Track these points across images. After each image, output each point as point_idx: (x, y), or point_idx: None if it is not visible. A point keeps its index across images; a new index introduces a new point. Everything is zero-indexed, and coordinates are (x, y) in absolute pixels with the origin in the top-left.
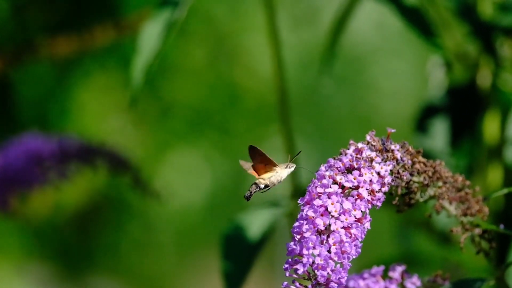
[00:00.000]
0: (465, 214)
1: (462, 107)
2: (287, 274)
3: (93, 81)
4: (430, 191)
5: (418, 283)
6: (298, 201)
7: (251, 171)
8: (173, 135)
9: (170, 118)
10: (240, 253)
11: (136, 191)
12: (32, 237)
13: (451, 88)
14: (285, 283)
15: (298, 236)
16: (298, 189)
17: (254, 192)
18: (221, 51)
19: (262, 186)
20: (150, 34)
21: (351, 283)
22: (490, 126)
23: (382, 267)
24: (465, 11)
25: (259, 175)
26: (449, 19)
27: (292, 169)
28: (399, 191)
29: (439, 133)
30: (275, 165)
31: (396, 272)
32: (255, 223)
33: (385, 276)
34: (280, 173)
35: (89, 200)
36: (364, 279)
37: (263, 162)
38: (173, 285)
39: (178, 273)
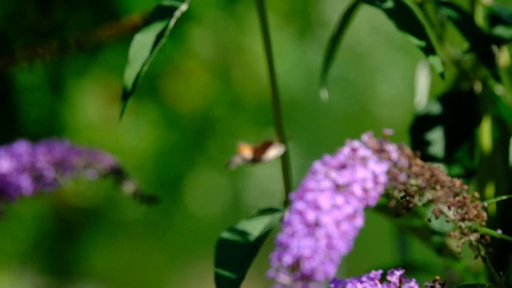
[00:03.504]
0: (463, 219)
1: (459, 115)
2: (273, 264)
3: (91, 85)
4: (428, 195)
5: (416, 287)
6: (291, 195)
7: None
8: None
9: (173, 125)
10: (234, 258)
11: (128, 197)
12: (20, 240)
13: (446, 95)
14: (271, 272)
15: (288, 228)
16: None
17: (237, 162)
18: (222, 54)
19: (247, 158)
20: (142, 44)
21: (349, 286)
22: (486, 135)
23: (380, 271)
24: (463, 21)
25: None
26: (440, 28)
27: (281, 150)
28: (396, 193)
29: (436, 143)
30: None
31: (394, 276)
32: (251, 229)
33: (383, 280)
34: (268, 152)
35: (83, 203)
36: (362, 282)
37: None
38: None
39: (172, 281)
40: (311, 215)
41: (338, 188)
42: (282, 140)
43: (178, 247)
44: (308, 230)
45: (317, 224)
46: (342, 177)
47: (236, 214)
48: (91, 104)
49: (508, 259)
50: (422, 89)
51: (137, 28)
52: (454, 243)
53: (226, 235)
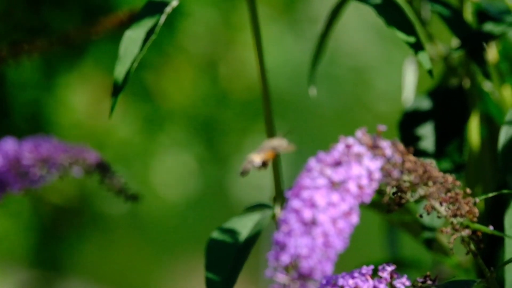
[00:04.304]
0: (455, 215)
1: (449, 111)
2: (271, 264)
3: (80, 81)
4: (421, 191)
5: (408, 283)
6: (286, 193)
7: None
8: (163, 137)
9: (161, 119)
10: (225, 261)
11: (113, 194)
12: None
13: (435, 91)
14: (269, 272)
15: (285, 227)
16: (280, 192)
17: (249, 168)
18: (211, 49)
19: (256, 163)
20: (132, 40)
21: (340, 281)
22: (475, 132)
23: (371, 267)
24: (452, 18)
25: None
26: (426, 24)
27: (284, 143)
28: (389, 189)
29: (426, 138)
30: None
31: (386, 272)
32: (241, 227)
33: (374, 276)
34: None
35: (65, 201)
36: (353, 277)
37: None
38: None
39: (159, 276)
40: (307, 214)
41: (333, 185)
42: (272, 135)
43: (165, 240)
44: (305, 229)
45: (313, 223)
46: (337, 174)
47: (225, 208)
48: (80, 100)
49: (496, 255)
50: (410, 85)
51: (124, 25)
52: (444, 239)
53: (216, 235)
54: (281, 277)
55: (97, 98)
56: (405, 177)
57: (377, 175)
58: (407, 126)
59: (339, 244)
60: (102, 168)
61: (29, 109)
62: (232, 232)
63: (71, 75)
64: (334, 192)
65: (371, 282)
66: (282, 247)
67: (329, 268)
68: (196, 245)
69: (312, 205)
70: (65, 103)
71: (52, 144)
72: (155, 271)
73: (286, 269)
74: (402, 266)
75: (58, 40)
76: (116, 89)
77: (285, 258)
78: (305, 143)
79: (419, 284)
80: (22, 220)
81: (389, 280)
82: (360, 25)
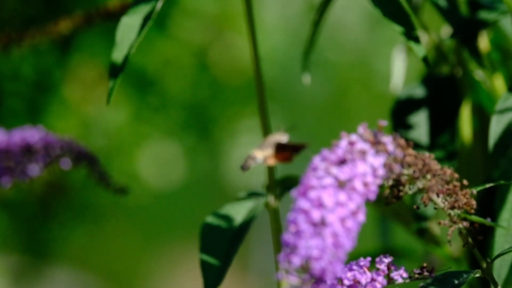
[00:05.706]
0: (452, 207)
1: (442, 98)
2: (282, 266)
3: (69, 72)
4: (419, 184)
5: (405, 275)
6: (292, 193)
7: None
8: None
9: (153, 106)
10: (220, 242)
11: (101, 186)
12: None
13: (427, 79)
14: (280, 274)
15: (294, 228)
16: (274, 181)
17: (250, 164)
18: (204, 36)
19: (259, 159)
20: (129, 27)
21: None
22: (466, 122)
23: (369, 259)
24: (445, 6)
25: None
26: (416, 12)
27: (285, 138)
28: (387, 183)
29: (419, 126)
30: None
31: (383, 264)
32: (235, 214)
33: (372, 268)
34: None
35: (51, 189)
36: (351, 270)
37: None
38: (146, 277)
39: (148, 264)
40: (316, 214)
41: (339, 184)
42: (266, 123)
43: (155, 228)
44: (314, 230)
45: (322, 223)
46: (343, 173)
47: (217, 193)
48: (70, 91)
49: (485, 245)
50: (399, 72)
51: (114, 16)
52: (437, 229)
53: (210, 219)
54: (293, 279)
55: (87, 89)
56: (405, 171)
57: (380, 171)
58: (400, 113)
59: (348, 243)
60: (90, 161)
61: (19, 99)
62: (227, 218)
63: (61, 66)
64: (341, 191)
65: (369, 274)
66: (292, 249)
67: (339, 269)
68: (187, 233)
69: (320, 205)
70: (56, 93)
71: (40, 135)
72: (144, 258)
73: (298, 271)
74: (393, 255)
75: (48, 31)
76: (113, 75)
77: (296, 260)
78: (295, 129)
79: (416, 276)
80: (10, 207)
81: (386, 272)
82: (355, 6)
